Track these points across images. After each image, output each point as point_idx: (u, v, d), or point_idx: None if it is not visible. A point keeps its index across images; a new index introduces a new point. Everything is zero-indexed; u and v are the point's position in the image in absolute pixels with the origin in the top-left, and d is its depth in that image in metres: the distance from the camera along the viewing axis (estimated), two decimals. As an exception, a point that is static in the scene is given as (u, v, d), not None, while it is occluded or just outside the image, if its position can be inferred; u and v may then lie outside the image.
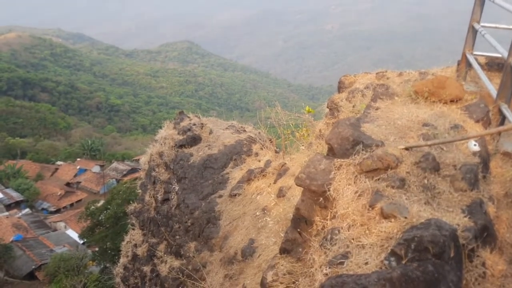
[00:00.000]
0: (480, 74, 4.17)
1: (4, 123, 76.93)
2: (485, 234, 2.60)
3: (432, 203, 2.60)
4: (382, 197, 2.59)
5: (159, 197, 8.55)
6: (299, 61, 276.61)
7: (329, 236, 2.63)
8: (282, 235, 3.76)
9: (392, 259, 2.13)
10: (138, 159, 16.94)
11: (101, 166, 59.53)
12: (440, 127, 3.41)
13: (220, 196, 6.89)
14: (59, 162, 63.68)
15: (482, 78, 4.10)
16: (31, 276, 31.50)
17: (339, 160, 3.05)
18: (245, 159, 7.52)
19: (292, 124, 7.12)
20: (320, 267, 2.50)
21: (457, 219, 2.47)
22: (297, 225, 3.18)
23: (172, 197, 8.09)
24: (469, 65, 4.61)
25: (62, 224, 42.30)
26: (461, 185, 2.79)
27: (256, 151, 7.68)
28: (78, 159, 63.72)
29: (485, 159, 3.20)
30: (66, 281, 24.01)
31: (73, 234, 37.86)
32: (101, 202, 32.56)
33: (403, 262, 2.07)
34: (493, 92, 3.92)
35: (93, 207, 30.08)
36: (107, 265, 24.62)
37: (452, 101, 3.97)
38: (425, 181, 2.77)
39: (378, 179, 2.77)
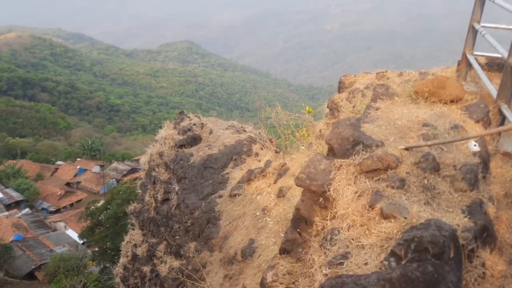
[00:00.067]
0: (480, 74, 4.16)
1: (4, 123, 76.96)
2: (485, 234, 2.59)
3: (432, 203, 2.60)
4: (382, 198, 2.59)
5: (159, 197, 8.55)
6: (299, 61, 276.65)
7: (329, 237, 2.62)
8: (282, 235, 3.75)
9: (391, 259, 2.13)
10: (138, 159, 16.94)
11: (101, 166, 59.55)
12: (440, 127, 3.40)
13: (220, 196, 6.89)
14: (59, 162, 63.70)
15: (482, 78, 4.10)
16: (30, 276, 31.51)
17: (339, 160, 3.05)
18: (245, 159, 7.52)
19: (292, 124, 7.12)
20: (320, 268, 2.50)
21: (457, 220, 2.46)
22: (297, 226, 3.18)
23: (172, 197, 8.09)
24: (469, 65, 4.61)
25: (62, 224, 42.31)
26: (461, 185, 2.78)
27: (256, 151, 7.68)
28: (78, 159, 63.74)
29: (485, 159, 3.20)
30: (65, 281, 24.01)
31: (73, 234, 37.87)
32: (101, 202, 32.57)
33: (403, 262, 2.07)
34: (493, 92, 3.92)
35: (93, 207, 30.08)
36: (107, 265, 24.62)
37: (452, 101, 3.97)
38: (425, 181, 2.77)
39: (378, 180, 2.77)
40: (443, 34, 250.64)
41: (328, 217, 2.86)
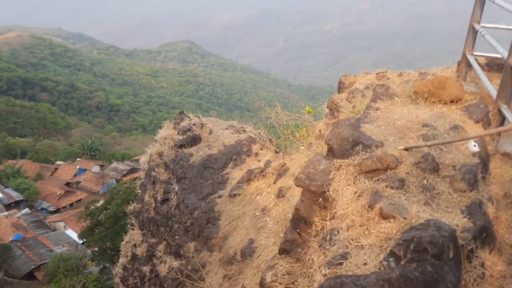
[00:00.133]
0: (480, 74, 4.16)
1: (4, 123, 76.97)
2: (484, 234, 2.59)
3: (431, 203, 2.60)
4: (382, 198, 2.59)
5: (159, 197, 8.54)
6: (299, 61, 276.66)
7: (328, 237, 2.62)
8: (282, 235, 3.75)
9: (391, 259, 2.13)
10: (138, 159, 16.95)
11: (101, 166, 59.54)
12: (440, 128, 3.40)
13: (220, 196, 6.89)
14: (58, 162, 63.70)
15: (482, 79, 4.10)
16: (30, 276, 31.50)
17: (338, 160, 3.05)
18: (245, 159, 7.51)
19: (292, 124, 7.12)
20: (319, 268, 2.50)
21: (456, 220, 2.46)
22: (296, 226, 3.18)
23: (172, 197, 8.08)
24: (469, 65, 4.61)
25: (61, 224, 42.30)
26: (461, 185, 2.78)
27: (256, 151, 7.67)
28: (78, 159, 63.74)
29: (484, 160, 3.20)
30: (65, 281, 24.02)
31: (73, 234, 37.87)
32: (101, 202, 32.55)
33: (402, 262, 2.07)
34: (493, 92, 3.92)
35: (92, 207, 30.08)
36: (107, 265, 24.61)
37: (452, 101, 3.97)
38: (425, 181, 2.77)
39: (378, 180, 2.77)
40: (443, 34, 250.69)
41: (328, 217, 2.86)
